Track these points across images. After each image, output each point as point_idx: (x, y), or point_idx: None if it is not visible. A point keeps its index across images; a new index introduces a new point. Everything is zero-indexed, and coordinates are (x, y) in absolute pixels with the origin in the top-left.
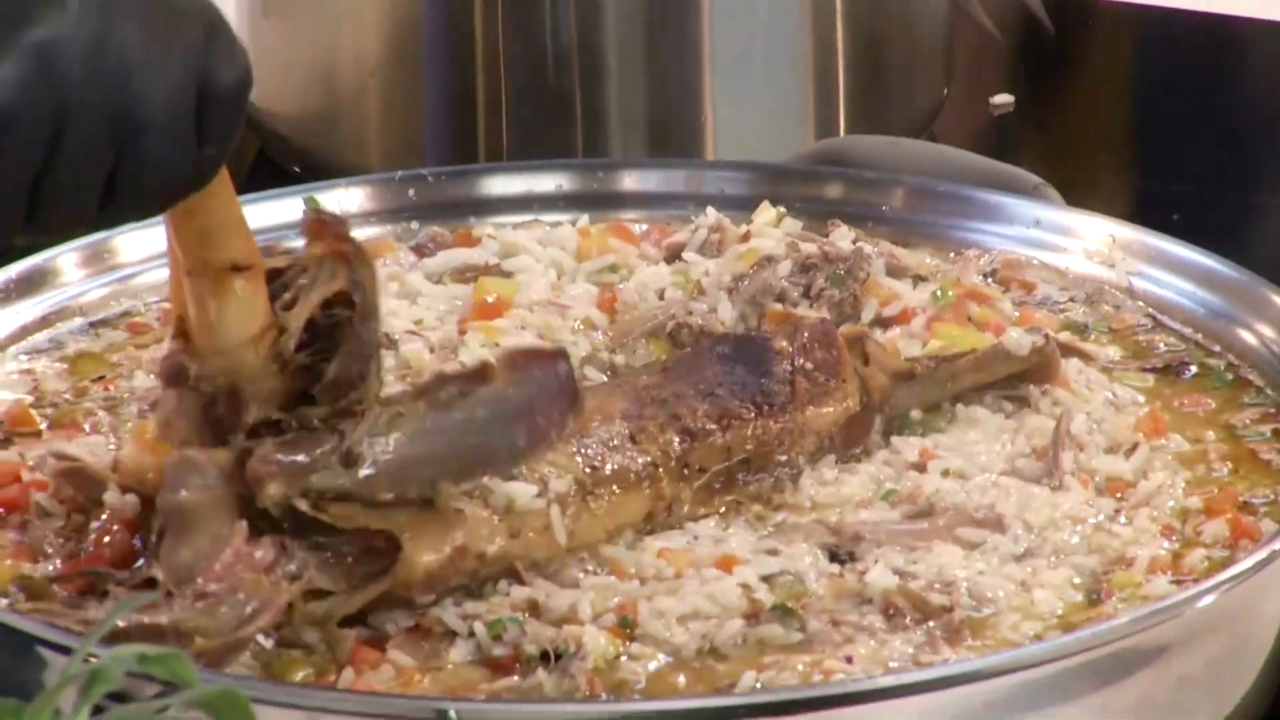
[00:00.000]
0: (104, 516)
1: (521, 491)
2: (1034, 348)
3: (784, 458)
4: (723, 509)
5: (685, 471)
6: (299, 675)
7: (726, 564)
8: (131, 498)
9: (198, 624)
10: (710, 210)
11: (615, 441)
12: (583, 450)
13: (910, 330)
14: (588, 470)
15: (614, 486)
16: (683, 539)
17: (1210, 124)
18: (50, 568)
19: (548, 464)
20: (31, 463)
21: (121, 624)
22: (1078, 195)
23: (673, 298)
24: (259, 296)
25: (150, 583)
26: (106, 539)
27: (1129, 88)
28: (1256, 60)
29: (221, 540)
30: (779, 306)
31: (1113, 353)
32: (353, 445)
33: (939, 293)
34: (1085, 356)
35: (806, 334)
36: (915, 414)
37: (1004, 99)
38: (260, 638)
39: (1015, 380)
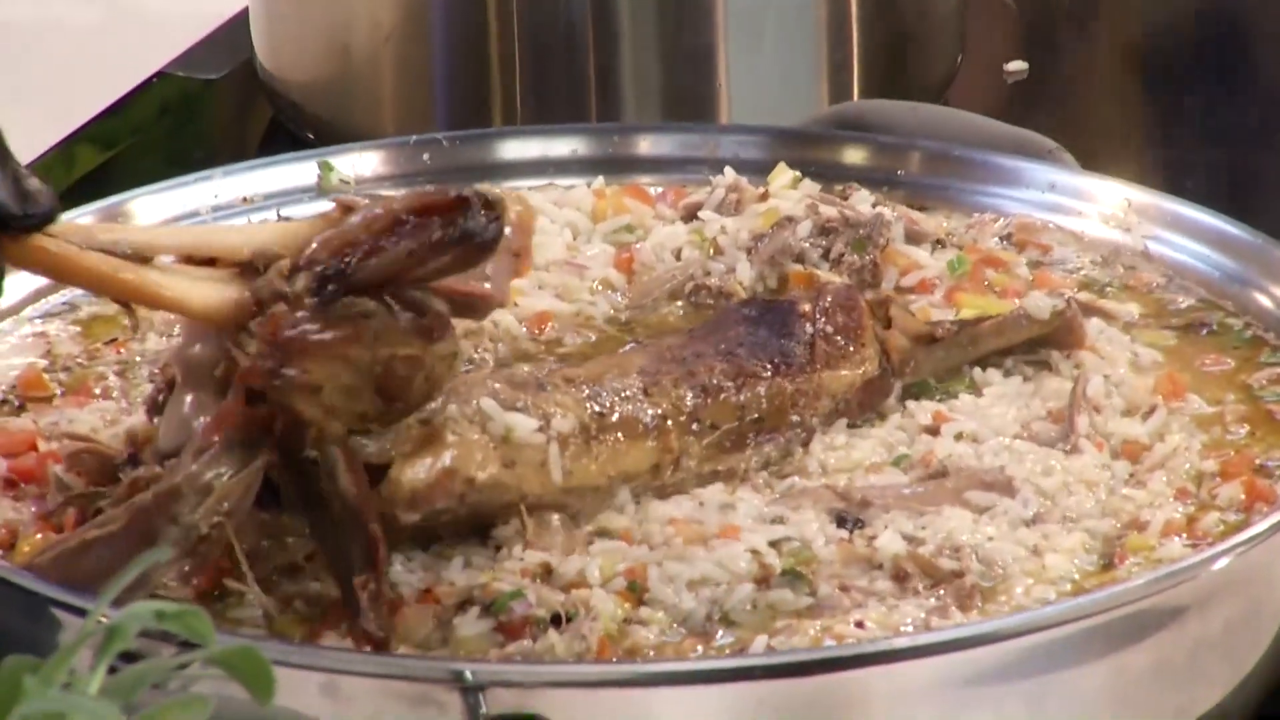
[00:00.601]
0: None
1: (521, 423)
2: (1055, 311)
3: (797, 419)
4: (724, 469)
5: (695, 427)
6: (298, 634)
7: (733, 533)
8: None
9: (211, 471)
10: (728, 170)
11: (627, 392)
12: (593, 396)
13: (933, 300)
14: (594, 415)
15: (619, 434)
16: (690, 505)
17: (1224, 89)
18: None
19: (554, 403)
20: (46, 432)
21: (140, 507)
22: (1092, 163)
23: (690, 257)
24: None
25: (136, 483)
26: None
27: (1142, 54)
28: (1270, 26)
29: (223, 398)
30: (798, 267)
31: (1133, 310)
32: None
33: (954, 262)
34: (1106, 315)
35: (829, 298)
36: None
37: (1018, 66)
38: (262, 596)
39: (1037, 345)
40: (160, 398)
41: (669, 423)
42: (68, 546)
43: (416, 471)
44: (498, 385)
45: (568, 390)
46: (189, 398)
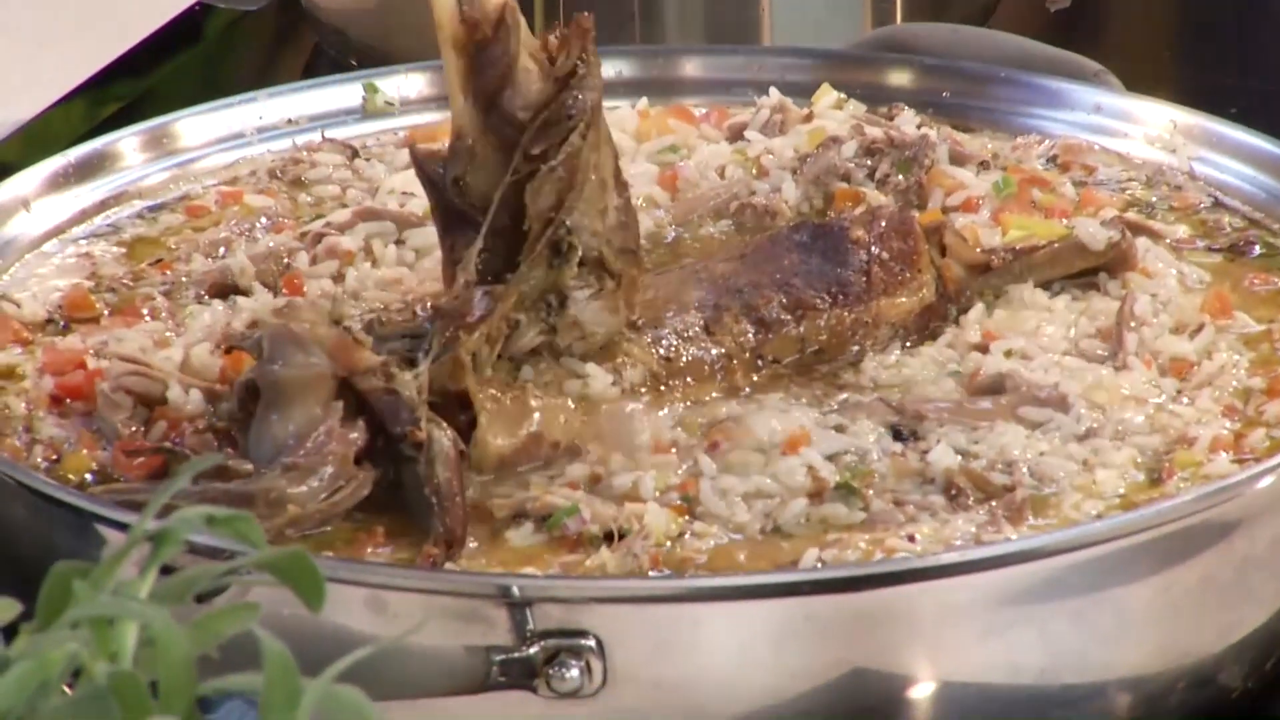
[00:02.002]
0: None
1: (596, 380)
2: (1110, 243)
3: (857, 348)
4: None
5: (759, 363)
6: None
7: (793, 444)
8: (195, 393)
9: (288, 492)
10: (773, 90)
11: (690, 332)
12: (658, 341)
13: (978, 219)
14: (662, 361)
15: (688, 378)
16: (752, 406)
17: (1267, 17)
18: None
19: (622, 354)
20: (93, 350)
21: (209, 493)
22: (1136, 91)
23: (734, 176)
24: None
25: (225, 471)
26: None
27: None
28: None
29: (315, 419)
30: (844, 185)
31: (1181, 231)
32: None
33: (1000, 183)
34: (1154, 234)
35: (884, 223)
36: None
37: None
38: None
39: (1089, 273)
40: (236, 404)
41: (734, 361)
42: (133, 497)
43: (503, 437)
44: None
45: (632, 337)
46: (277, 415)
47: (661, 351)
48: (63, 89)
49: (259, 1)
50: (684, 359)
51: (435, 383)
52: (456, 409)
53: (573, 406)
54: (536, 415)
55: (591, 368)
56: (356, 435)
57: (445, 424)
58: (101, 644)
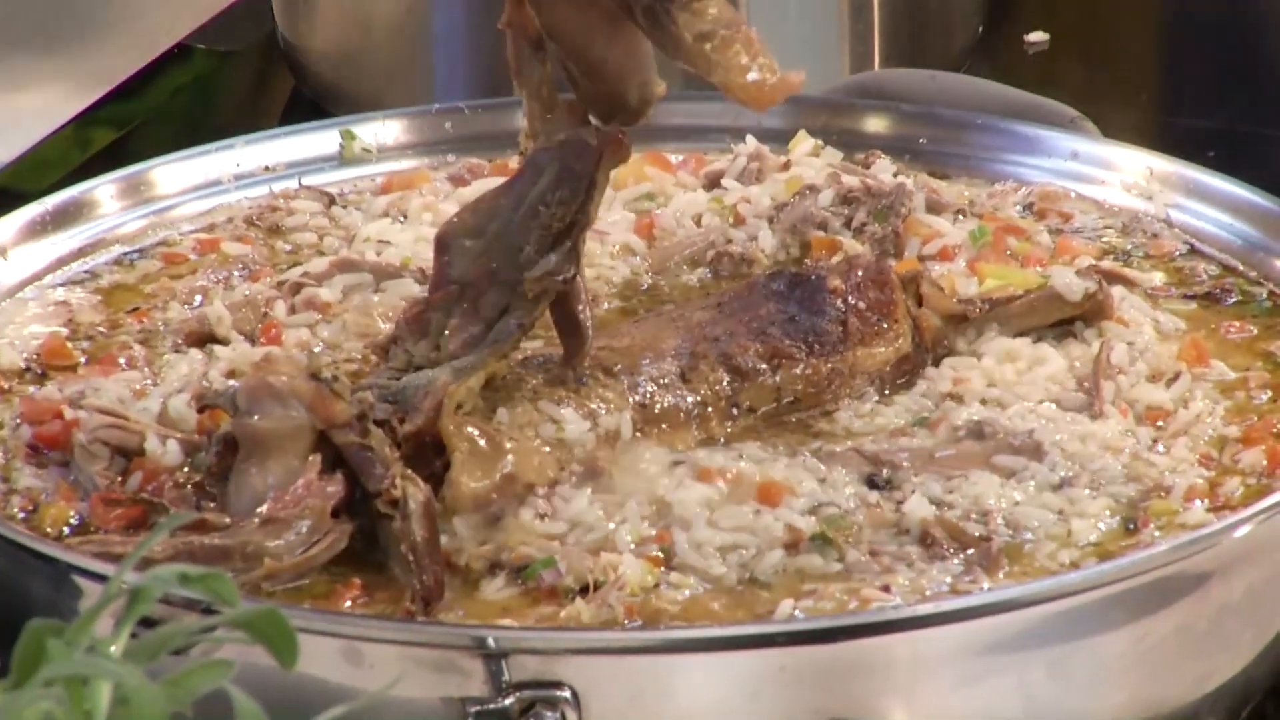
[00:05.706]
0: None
1: (571, 426)
2: (1087, 294)
3: (831, 397)
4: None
5: (735, 411)
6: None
7: (771, 496)
8: (173, 444)
9: (264, 546)
10: (750, 138)
11: (666, 380)
12: (634, 387)
13: (954, 268)
14: (638, 406)
15: (663, 424)
16: (725, 458)
17: (1244, 61)
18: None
19: (597, 398)
20: (70, 400)
21: (186, 547)
22: (1112, 134)
23: (711, 224)
24: None
25: (204, 524)
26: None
27: (1163, 26)
28: None
29: (293, 471)
30: (821, 234)
31: (1157, 279)
32: None
33: (976, 233)
34: (1129, 282)
35: (860, 273)
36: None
37: (1039, 37)
38: None
39: (1066, 322)
40: (214, 457)
41: (709, 409)
42: (110, 550)
43: (477, 479)
44: (536, 384)
45: (608, 383)
46: (256, 467)
47: (637, 398)
48: (45, 130)
49: (238, 42)
50: (660, 406)
51: (412, 433)
52: (432, 455)
53: (547, 450)
54: (510, 457)
55: (567, 412)
56: (335, 488)
57: (420, 480)
58: (76, 703)
